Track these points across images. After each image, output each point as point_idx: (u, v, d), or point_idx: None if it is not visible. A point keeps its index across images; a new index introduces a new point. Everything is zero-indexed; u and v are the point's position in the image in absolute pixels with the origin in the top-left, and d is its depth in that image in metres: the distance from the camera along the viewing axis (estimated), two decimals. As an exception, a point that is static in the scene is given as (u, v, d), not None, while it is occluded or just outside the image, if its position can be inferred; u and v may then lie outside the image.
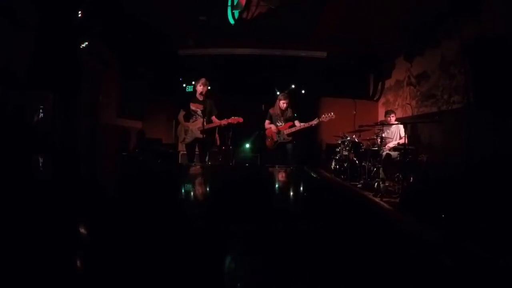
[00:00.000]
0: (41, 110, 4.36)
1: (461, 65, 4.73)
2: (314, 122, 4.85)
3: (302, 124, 4.85)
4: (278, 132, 4.96)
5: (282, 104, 4.95)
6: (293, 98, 5.31)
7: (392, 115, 5.56)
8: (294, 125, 4.90)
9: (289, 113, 4.99)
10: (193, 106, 4.53)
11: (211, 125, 4.48)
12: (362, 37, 6.18)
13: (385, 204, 1.05)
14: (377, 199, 4.13)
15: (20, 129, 3.99)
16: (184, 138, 4.56)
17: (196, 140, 4.48)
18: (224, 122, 4.45)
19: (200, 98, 4.47)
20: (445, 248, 0.56)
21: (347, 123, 6.80)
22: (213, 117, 4.52)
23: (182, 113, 4.60)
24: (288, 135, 4.92)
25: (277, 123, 5.00)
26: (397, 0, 4.79)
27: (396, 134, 5.42)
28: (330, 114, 4.92)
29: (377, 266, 0.46)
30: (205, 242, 0.53)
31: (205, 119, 4.39)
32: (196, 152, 4.62)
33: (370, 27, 5.63)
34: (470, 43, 4.48)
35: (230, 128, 5.20)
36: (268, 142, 5.10)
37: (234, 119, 4.43)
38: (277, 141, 4.97)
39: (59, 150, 4.64)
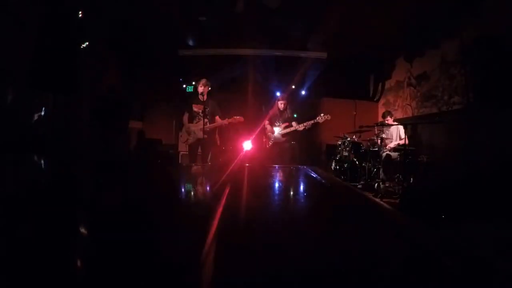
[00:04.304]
0: (41, 110, 4.36)
1: (461, 65, 4.74)
2: (310, 122, 4.87)
3: (298, 125, 4.86)
4: (273, 132, 5.00)
5: (280, 104, 5.02)
6: (293, 99, 5.32)
7: (387, 118, 5.54)
8: (290, 126, 4.93)
9: (287, 113, 5.02)
10: (195, 107, 4.54)
11: (213, 125, 4.50)
12: (362, 38, 6.18)
13: (386, 205, 1.04)
14: (377, 200, 4.12)
15: (19, 129, 3.99)
16: (187, 139, 4.58)
17: (199, 140, 4.50)
18: (225, 122, 4.46)
19: (202, 98, 4.47)
20: (445, 248, 0.56)
21: (347, 124, 6.80)
22: (217, 117, 4.53)
23: (186, 115, 4.63)
24: (283, 135, 4.94)
25: (275, 124, 5.04)
26: (397, 0, 4.80)
27: (395, 135, 5.42)
28: (327, 116, 4.95)
29: (378, 266, 0.46)
30: (206, 242, 0.53)
31: (207, 120, 4.40)
32: (199, 153, 4.64)
33: (370, 27, 5.64)
34: (470, 44, 4.48)
35: (230, 128, 5.20)
36: (265, 142, 5.15)
37: (235, 119, 4.44)
38: (273, 141, 5.01)
39: (58, 150, 4.64)
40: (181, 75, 7.90)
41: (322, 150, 7.33)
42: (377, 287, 0.40)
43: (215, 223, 0.67)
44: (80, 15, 4.78)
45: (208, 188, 1.35)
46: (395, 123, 5.47)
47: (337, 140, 6.20)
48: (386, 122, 5.52)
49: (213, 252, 0.48)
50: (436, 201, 3.02)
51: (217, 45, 7.05)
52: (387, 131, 5.51)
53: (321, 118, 4.95)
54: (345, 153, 5.92)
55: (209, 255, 0.47)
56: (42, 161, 1.83)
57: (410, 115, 6.31)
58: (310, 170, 1.61)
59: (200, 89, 4.48)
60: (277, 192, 1.29)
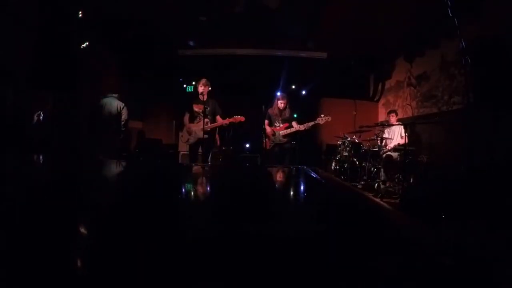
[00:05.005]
0: (41, 111, 4.37)
1: (461, 65, 4.74)
2: (310, 124, 4.82)
3: (299, 126, 4.82)
4: (274, 133, 4.94)
5: (280, 104, 4.93)
6: (293, 99, 5.29)
7: (392, 114, 5.58)
8: (290, 126, 4.89)
9: (287, 113, 4.95)
10: (195, 107, 4.54)
11: (214, 125, 4.49)
12: (362, 38, 6.19)
13: (386, 205, 1.04)
14: (378, 200, 4.12)
15: (20, 129, 3.99)
16: (188, 139, 4.58)
17: (200, 140, 4.49)
18: (226, 121, 4.45)
19: (202, 98, 4.47)
20: (445, 248, 0.56)
21: (347, 124, 6.80)
22: (218, 117, 4.53)
23: (187, 116, 4.62)
24: (284, 136, 4.89)
25: (275, 124, 4.98)
26: (398, 1, 4.80)
27: (397, 134, 5.43)
28: (327, 117, 4.92)
29: (377, 266, 0.46)
30: (206, 243, 0.53)
31: (208, 120, 4.40)
32: (199, 153, 4.63)
33: (370, 27, 5.64)
34: (470, 44, 4.48)
35: (230, 128, 5.19)
36: (266, 143, 5.08)
37: (236, 118, 4.43)
38: (273, 142, 4.95)
39: (58, 150, 4.64)
40: (181, 75, 7.91)
41: (322, 150, 7.33)
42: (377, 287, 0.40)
43: (214, 223, 0.67)
44: (80, 15, 4.78)
45: (208, 188, 1.35)
46: (397, 123, 5.48)
47: (337, 140, 6.20)
48: (391, 117, 5.55)
49: (211, 253, 0.48)
50: (436, 201, 3.02)
51: (217, 45, 7.05)
52: (389, 130, 5.52)
53: (321, 119, 4.91)
54: (345, 153, 5.92)
55: (207, 257, 0.47)
56: (42, 161, 1.83)
57: (410, 115, 6.31)
58: (310, 170, 1.61)
59: (200, 89, 4.48)
60: (277, 192, 1.29)
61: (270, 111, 5.06)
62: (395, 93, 7.15)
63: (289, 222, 0.72)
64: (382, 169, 5.08)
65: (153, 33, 6.34)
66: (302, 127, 4.79)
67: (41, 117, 4.36)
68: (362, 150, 5.72)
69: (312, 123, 4.84)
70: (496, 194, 3.10)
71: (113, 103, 4.80)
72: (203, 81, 4.50)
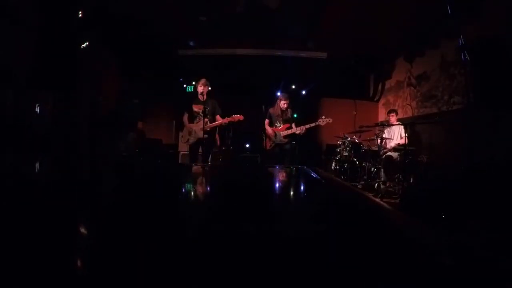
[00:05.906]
0: (41, 110, 4.37)
1: (461, 66, 4.73)
2: (305, 127, 4.82)
3: (297, 128, 4.83)
4: (275, 133, 4.95)
5: (283, 104, 4.93)
6: (293, 99, 5.28)
7: (392, 114, 5.59)
8: (291, 127, 4.90)
9: (288, 113, 4.96)
10: (195, 107, 4.54)
11: (213, 125, 4.49)
12: (362, 38, 6.19)
13: (386, 205, 1.04)
14: (378, 200, 4.12)
15: (20, 129, 3.99)
16: (188, 139, 4.58)
17: (200, 140, 4.50)
18: (225, 120, 4.45)
19: (201, 98, 4.47)
20: (445, 248, 0.56)
21: (347, 124, 6.80)
22: (217, 116, 4.53)
23: (186, 115, 4.63)
24: (285, 136, 4.90)
25: (276, 124, 4.98)
26: (398, 1, 4.79)
27: (397, 134, 5.42)
28: (328, 119, 4.93)
29: (377, 266, 0.46)
30: (206, 244, 0.53)
31: (207, 119, 4.40)
32: (199, 153, 4.63)
33: (370, 27, 5.64)
34: (470, 44, 4.47)
35: (230, 128, 5.18)
36: (266, 142, 5.07)
37: (234, 117, 4.43)
38: (274, 142, 4.95)
39: (58, 150, 4.64)
40: (181, 75, 7.91)
41: (322, 150, 7.33)
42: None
43: (214, 223, 0.67)
44: (80, 16, 4.78)
45: (208, 188, 1.35)
46: (397, 123, 5.48)
47: (337, 140, 6.20)
48: (391, 117, 5.55)
49: (210, 253, 0.48)
50: (436, 201, 3.02)
51: (217, 45, 7.05)
52: (389, 130, 5.52)
53: (322, 120, 4.93)
54: (345, 153, 5.92)
55: (208, 256, 0.47)
56: (42, 161, 1.83)
57: (410, 115, 6.31)
58: (310, 170, 1.62)
59: (200, 89, 4.48)
60: (277, 192, 1.29)
61: (271, 110, 5.05)
62: (395, 93, 7.15)
63: (289, 222, 0.72)
64: (382, 169, 5.08)
65: (153, 33, 6.34)
66: (297, 131, 4.81)
67: (41, 117, 4.36)
68: (362, 150, 5.72)
69: (308, 125, 4.85)
70: (496, 194, 3.10)
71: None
72: (203, 81, 4.50)
